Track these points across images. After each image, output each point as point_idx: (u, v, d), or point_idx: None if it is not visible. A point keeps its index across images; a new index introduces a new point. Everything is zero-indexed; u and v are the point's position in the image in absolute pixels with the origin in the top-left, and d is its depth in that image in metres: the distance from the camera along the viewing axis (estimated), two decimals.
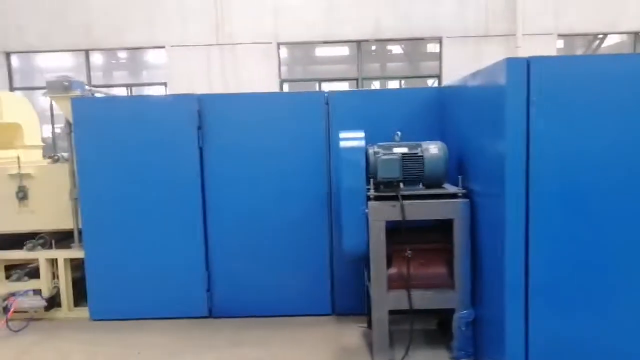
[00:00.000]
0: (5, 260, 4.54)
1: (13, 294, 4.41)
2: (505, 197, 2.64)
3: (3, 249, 4.57)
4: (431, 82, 12.00)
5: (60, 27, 11.61)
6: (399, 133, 3.56)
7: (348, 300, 4.24)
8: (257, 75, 11.19)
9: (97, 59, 12.23)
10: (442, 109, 4.08)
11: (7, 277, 4.56)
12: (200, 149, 4.19)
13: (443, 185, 3.49)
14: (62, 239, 4.68)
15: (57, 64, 12.53)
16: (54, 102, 4.33)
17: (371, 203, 3.29)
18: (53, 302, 4.42)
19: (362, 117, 4.06)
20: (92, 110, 4.23)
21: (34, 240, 4.51)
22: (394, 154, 3.36)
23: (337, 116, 4.15)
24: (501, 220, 2.69)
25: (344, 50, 12.33)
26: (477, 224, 3.18)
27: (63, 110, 4.33)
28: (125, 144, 4.21)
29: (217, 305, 4.32)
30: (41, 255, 4.46)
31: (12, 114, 8.14)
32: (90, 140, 4.23)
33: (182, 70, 11.62)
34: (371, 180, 3.37)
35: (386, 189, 3.37)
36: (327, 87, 11.67)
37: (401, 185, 3.36)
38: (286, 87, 11.69)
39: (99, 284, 4.34)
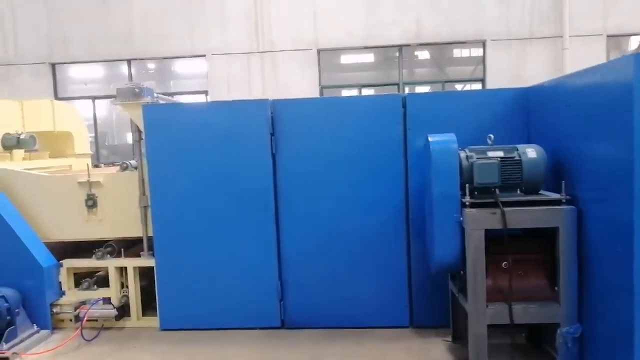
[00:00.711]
0: (74, 268, 4.49)
1: (83, 303, 4.36)
2: (633, 203, 2.44)
3: (69, 257, 4.53)
4: (463, 87, 11.81)
5: (102, 37, 11.76)
6: (491, 136, 3.38)
7: (427, 312, 4.06)
8: (297, 81, 11.14)
9: (124, 70, 12.34)
10: (528, 111, 3.89)
11: (76, 285, 4.52)
12: (274, 155, 4.08)
13: (540, 192, 3.30)
14: (128, 247, 4.63)
15: (85, 75, 12.74)
16: (124, 110, 4.28)
17: (468, 210, 3.12)
18: (123, 311, 4.36)
19: (442, 120, 3.91)
20: (163, 116, 4.17)
21: (102, 249, 4.46)
22: (491, 158, 3.19)
23: (414, 120, 3.99)
24: (627, 228, 2.49)
25: (368, 57, 12.21)
26: (585, 232, 2.98)
27: (133, 117, 4.28)
28: (197, 150, 4.14)
29: (290, 316, 4.19)
30: (111, 264, 4.41)
31: (65, 122, 8.25)
32: (161, 147, 4.16)
33: (222, 78, 11.65)
34: (467, 186, 3.20)
35: (482, 196, 3.20)
36: (366, 92, 11.55)
37: (497, 191, 3.18)
38: (326, 94, 11.59)
39: (170, 293, 4.26)
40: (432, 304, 4.02)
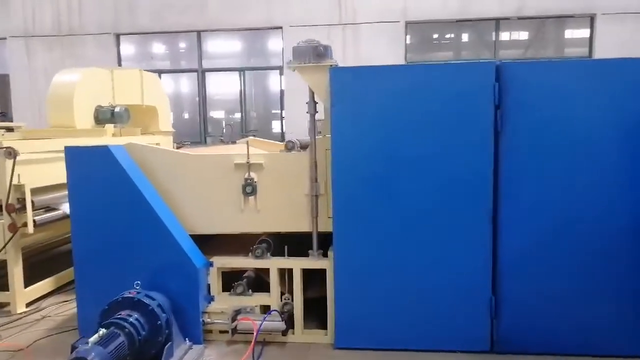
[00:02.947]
0: (224, 268, 3.70)
1: (238, 311, 3.57)
2: None
3: (213, 253, 3.75)
4: None
5: (172, 7, 10.95)
6: None
7: None
8: (381, 58, 10.18)
9: (157, 47, 11.51)
10: None
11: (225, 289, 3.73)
12: (497, 134, 3.19)
13: None
14: (283, 244, 3.82)
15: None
16: (301, 74, 3.43)
17: None
18: (289, 323, 3.55)
19: None
20: (355, 82, 3.29)
21: (262, 245, 3.66)
22: None
23: None
24: None
25: (461, 33, 11.11)
26: None
27: (312, 84, 3.43)
28: (394, 127, 3.27)
29: (503, 338, 3.34)
30: (273, 264, 3.60)
31: (151, 96, 7.46)
32: (350, 121, 3.30)
33: None
34: None
35: None
36: None
37: None
38: None
39: (348, 303, 3.44)
40: None
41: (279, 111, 11.62)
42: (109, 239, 3.50)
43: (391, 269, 3.37)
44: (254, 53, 11.71)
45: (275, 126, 11.91)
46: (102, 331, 2.83)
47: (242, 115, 11.42)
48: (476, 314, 3.33)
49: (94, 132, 6.02)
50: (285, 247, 3.62)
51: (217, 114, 12.26)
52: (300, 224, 3.63)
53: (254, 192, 3.59)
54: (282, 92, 11.07)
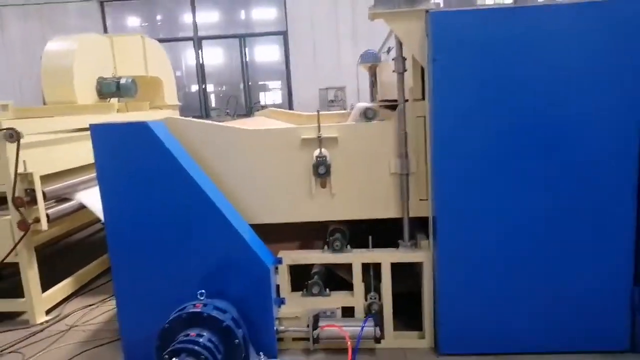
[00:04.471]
0: (295, 263, 3.06)
1: (317, 316, 2.96)
2: None
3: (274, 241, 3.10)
4: None
5: None
6: None
7: None
8: None
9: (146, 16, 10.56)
10: None
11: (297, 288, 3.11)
12: None
13: None
14: (358, 233, 3.20)
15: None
16: (388, 23, 2.73)
17: None
18: (380, 327, 2.95)
19: None
20: (465, 30, 2.60)
21: (338, 236, 3.02)
22: None
23: None
24: None
25: None
26: None
27: (402, 34, 2.74)
28: (519, 86, 2.62)
29: None
30: (356, 259, 2.97)
31: (154, 66, 6.63)
32: (458, 79, 2.64)
33: (304, 17, 9.98)
34: None
35: None
36: None
37: None
38: None
39: (454, 303, 2.84)
40: None
41: (265, 82, 10.82)
42: (154, 236, 2.81)
43: (506, 261, 2.77)
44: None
45: (262, 99, 11.10)
46: None
47: (244, 87, 10.58)
48: (611, 308, 2.77)
49: (99, 107, 5.24)
50: (370, 238, 2.99)
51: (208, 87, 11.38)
52: (385, 210, 3.00)
53: (327, 172, 2.92)
54: (287, 59, 10.24)
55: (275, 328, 2.85)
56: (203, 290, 2.59)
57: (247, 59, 10.56)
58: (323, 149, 2.92)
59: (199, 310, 2.45)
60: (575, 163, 2.65)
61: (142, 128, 2.78)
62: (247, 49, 10.46)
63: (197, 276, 2.77)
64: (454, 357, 2.87)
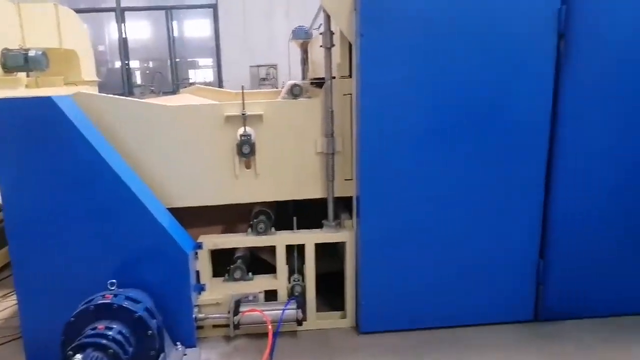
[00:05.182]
0: (217, 248, 2.94)
1: (239, 301, 2.88)
2: None
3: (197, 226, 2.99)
4: None
5: None
6: None
7: None
8: None
9: None
10: None
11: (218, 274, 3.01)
12: (557, 68, 2.65)
13: None
14: (281, 213, 3.15)
15: None
16: None
17: None
18: (304, 309, 2.92)
19: None
20: (393, 3, 2.54)
21: (262, 218, 2.94)
22: None
23: None
24: None
25: None
26: None
27: (330, 7, 2.66)
28: (438, 62, 2.62)
29: (548, 307, 2.96)
30: (281, 241, 2.91)
31: (70, 38, 6.15)
32: (384, 55, 2.59)
33: None
34: None
35: None
36: None
37: None
38: None
39: (376, 281, 2.87)
40: None
41: (195, 59, 10.45)
42: (59, 222, 2.58)
43: (424, 238, 2.82)
44: None
45: (192, 76, 10.72)
46: (78, 358, 2.02)
47: (171, 63, 10.10)
48: (519, 281, 2.91)
49: (4, 82, 4.77)
50: (295, 219, 2.94)
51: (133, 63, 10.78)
52: (310, 190, 2.95)
53: (251, 152, 2.82)
54: (217, 35, 9.86)
55: (194, 316, 2.76)
56: (114, 280, 2.43)
57: (175, 34, 10.06)
58: (247, 127, 2.81)
59: (108, 301, 2.29)
60: (489, 142, 2.72)
61: (46, 103, 2.53)
62: (174, 23, 9.96)
63: (109, 266, 2.60)
64: (374, 335, 2.90)
